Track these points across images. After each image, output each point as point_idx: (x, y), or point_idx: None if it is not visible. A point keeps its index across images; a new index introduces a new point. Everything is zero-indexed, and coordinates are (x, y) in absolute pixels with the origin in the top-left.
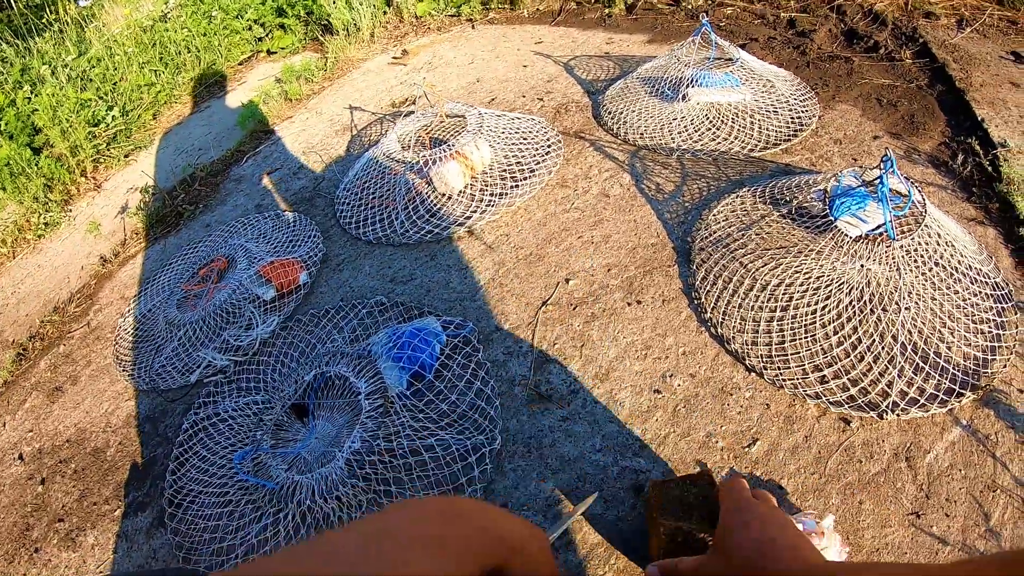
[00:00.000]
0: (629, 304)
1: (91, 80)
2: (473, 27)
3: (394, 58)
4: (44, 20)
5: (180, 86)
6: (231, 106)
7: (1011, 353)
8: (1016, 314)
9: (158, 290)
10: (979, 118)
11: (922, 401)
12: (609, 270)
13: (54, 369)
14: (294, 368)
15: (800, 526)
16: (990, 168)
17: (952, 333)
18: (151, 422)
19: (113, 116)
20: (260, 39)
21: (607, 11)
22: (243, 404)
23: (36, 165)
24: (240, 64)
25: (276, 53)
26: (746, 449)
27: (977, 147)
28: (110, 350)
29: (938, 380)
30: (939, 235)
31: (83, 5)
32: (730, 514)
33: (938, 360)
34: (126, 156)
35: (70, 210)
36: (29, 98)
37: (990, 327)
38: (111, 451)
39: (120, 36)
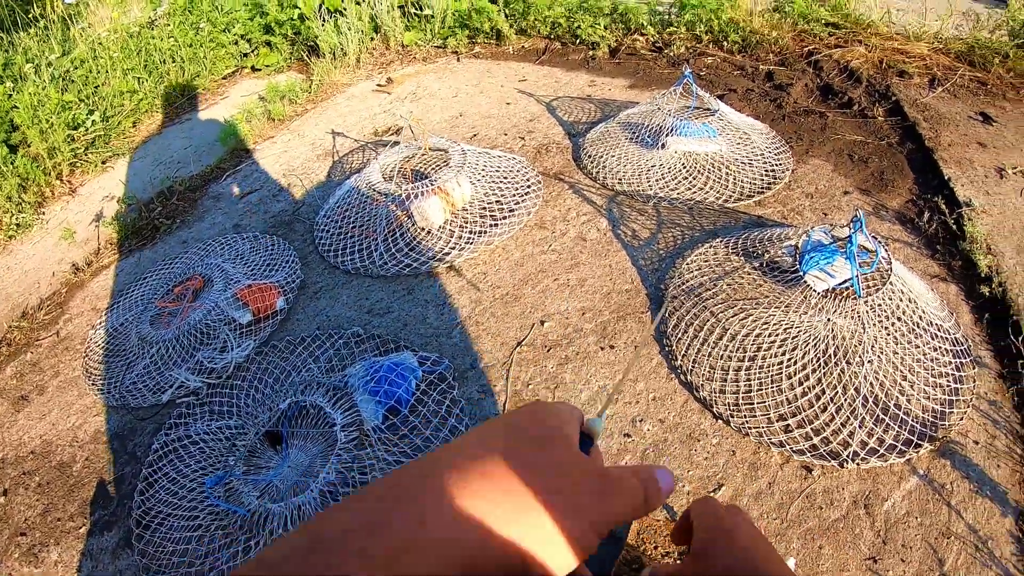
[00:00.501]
0: (602, 348)
1: (73, 81)
2: (458, 60)
3: (379, 85)
4: (31, 15)
5: (162, 95)
6: (212, 120)
7: (968, 406)
8: (974, 369)
9: (131, 304)
10: (946, 177)
11: (881, 451)
12: (584, 314)
13: (20, 377)
14: (268, 394)
15: None
16: (954, 226)
17: (912, 386)
18: (120, 439)
19: (93, 121)
20: (245, 55)
21: (591, 53)
22: (215, 428)
23: (12, 164)
24: (224, 78)
25: (261, 70)
26: (711, 494)
27: (943, 205)
28: (79, 362)
29: (897, 431)
30: (903, 292)
31: (69, 2)
32: (709, 520)
33: (897, 412)
34: (103, 162)
35: (43, 212)
36: (10, 94)
37: (949, 381)
38: (77, 466)
39: (106, 40)
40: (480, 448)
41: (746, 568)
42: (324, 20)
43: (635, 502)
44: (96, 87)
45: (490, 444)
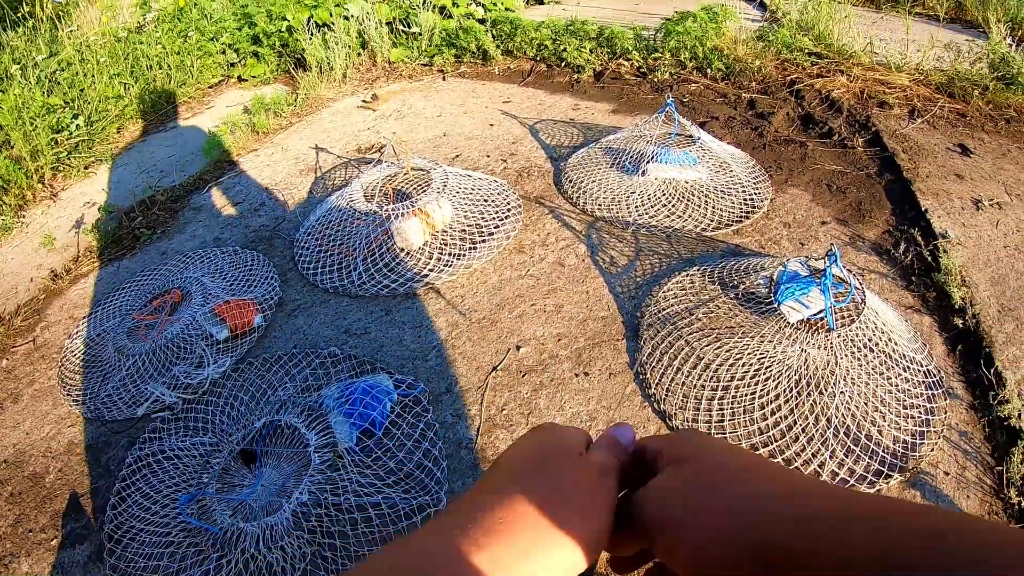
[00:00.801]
0: (577, 375)
1: (59, 84)
2: (444, 78)
3: (364, 102)
4: (19, 14)
5: (148, 102)
6: (197, 130)
7: (939, 437)
8: (946, 400)
9: (109, 315)
10: (923, 208)
11: (852, 481)
12: (559, 340)
13: None
14: (244, 412)
15: None
16: (930, 258)
17: (883, 417)
18: (93, 452)
19: (78, 125)
20: (232, 64)
21: (575, 76)
22: (190, 444)
23: None
24: (210, 87)
25: (247, 81)
26: None
27: (919, 237)
28: (55, 371)
29: (868, 462)
30: (875, 324)
31: (58, 1)
32: (673, 441)
33: (868, 443)
34: (86, 168)
35: (24, 216)
36: None
37: (920, 412)
38: (50, 477)
39: (94, 44)
40: (488, 501)
41: (722, 484)
42: (312, 33)
43: (615, 471)
44: (82, 90)
45: (498, 491)
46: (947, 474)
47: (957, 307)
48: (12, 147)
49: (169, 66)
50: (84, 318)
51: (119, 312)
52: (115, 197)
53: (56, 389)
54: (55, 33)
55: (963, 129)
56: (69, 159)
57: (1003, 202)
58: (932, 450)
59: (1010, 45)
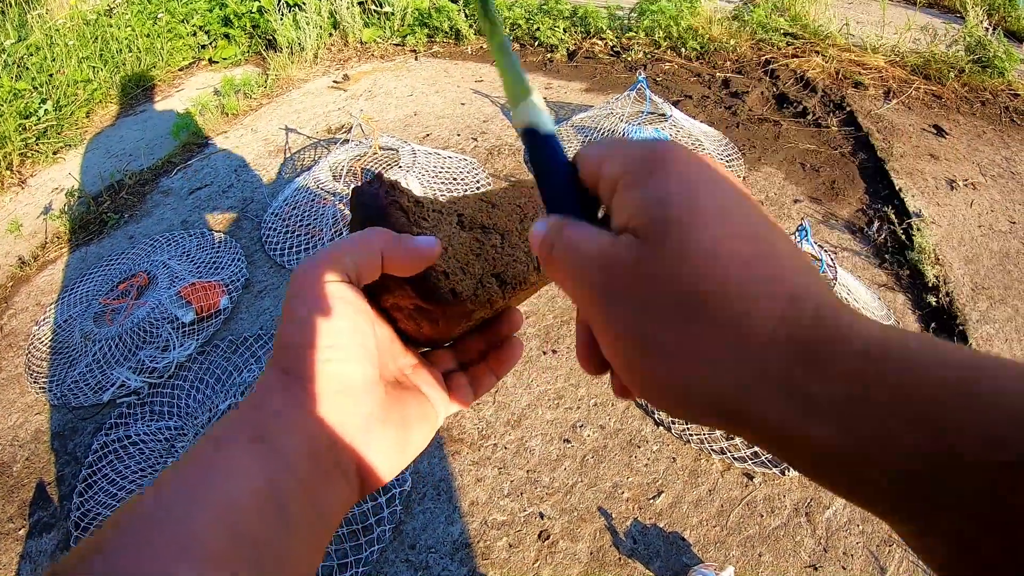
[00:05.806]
0: (544, 353)
1: (27, 69)
2: (416, 58)
3: (335, 82)
4: None
5: (117, 86)
6: (167, 113)
7: None
8: None
9: (76, 300)
10: (897, 187)
11: None
12: (527, 317)
13: None
14: (209, 395)
15: None
16: (903, 236)
17: None
18: (60, 439)
19: (46, 110)
20: (203, 47)
21: (549, 56)
22: (155, 429)
23: None
24: (180, 70)
25: (218, 63)
26: (651, 501)
27: (892, 216)
28: (22, 359)
29: None
30: (847, 300)
31: None
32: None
33: None
34: (55, 153)
35: None
36: None
37: None
38: (17, 467)
39: (63, 27)
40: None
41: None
42: (283, 14)
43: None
44: (50, 75)
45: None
46: None
47: (931, 285)
48: None
49: (139, 49)
50: (51, 304)
51: (86, 298)
52: (84, 182)
53: (23, 377)
54: (23, 18)
55: (938, 110)
56: (37, 145)
57: (978, 183)
58: None
59: (986, 29)
